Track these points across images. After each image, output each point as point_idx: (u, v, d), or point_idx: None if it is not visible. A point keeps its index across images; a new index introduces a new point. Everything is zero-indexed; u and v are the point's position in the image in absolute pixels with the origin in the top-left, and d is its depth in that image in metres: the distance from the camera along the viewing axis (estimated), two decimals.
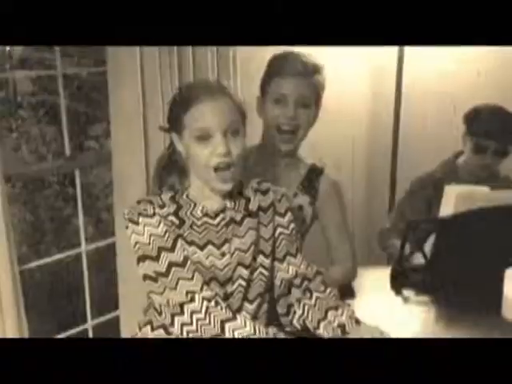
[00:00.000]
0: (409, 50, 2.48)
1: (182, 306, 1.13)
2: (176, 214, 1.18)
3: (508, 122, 1.88)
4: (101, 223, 3.83)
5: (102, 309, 2.19)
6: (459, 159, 2.00)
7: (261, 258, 1.24)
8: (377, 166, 2.79)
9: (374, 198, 2.85)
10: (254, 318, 1.20)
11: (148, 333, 1.22)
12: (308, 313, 1.25)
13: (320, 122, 1.54)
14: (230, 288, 1.20)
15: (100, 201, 3.90)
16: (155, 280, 1.14)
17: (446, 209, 1.52)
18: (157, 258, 1.14)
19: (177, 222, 1.18)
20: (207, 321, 1.12)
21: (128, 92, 1.74)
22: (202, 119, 1.14)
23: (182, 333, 1.13)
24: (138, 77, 1.73)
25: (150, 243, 1.14)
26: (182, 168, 1.23)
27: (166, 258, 1.14)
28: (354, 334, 1.18)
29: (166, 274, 1.14)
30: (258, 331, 1.12)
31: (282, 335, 1.15)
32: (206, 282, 1.16)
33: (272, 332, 1.15)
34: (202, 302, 1.13)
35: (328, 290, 1.29)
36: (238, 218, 1.22)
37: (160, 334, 1.20)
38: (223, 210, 1.22)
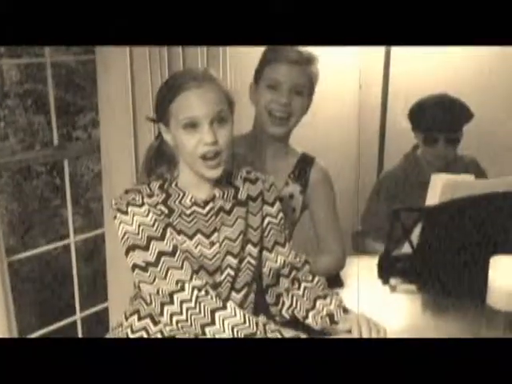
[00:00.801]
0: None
1: (171, 295, 1.12)
2: (165, 203, 1.18)
3: (453, 109, 1.86)
4: (89, 214, 3.81)
5: (91, 300, 2.19)
6: (417, 151, 2.00)
7: (249, 248, 1.24)
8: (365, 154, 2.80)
9: (362, 188, 2.85)
10: (241, 307, 1.20)
11: (135, 322, 1.22)
12: (297, 303, 1.26)
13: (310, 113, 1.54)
14: (218, 277, 1.20)
15: (89, 191, 3.88)
16: (145, 269, 1.14)
17: (433, 197, 1.53)
18: (146, 248, 1.13)
19: (166, 211, 1.17)
20: (197, 310, 1.12)
21: (117, 82, 1.72)
22: (188, 108, 1.13)
23: (171, 322, 1.13)
24: (127, 66, 1.72)
25: (138, 233, 1.14)
26: (170, 157, 1.23)
27: (155, 247, 1.14)
28: (342, 322, 1.19)
29: (155, 264, 1.13)
30: (247, 320, 1.13)
31: (271, 325, 1.15)
32: (195, 271, 1.16)
33: (262, 321, 1.15)
34: (192, 291, 1.13)
35: (316, 280, 1.30)
36: (227, 207, 1.23)
37: (147, 323, 1.20)
38: (212, 199, 1.22)
